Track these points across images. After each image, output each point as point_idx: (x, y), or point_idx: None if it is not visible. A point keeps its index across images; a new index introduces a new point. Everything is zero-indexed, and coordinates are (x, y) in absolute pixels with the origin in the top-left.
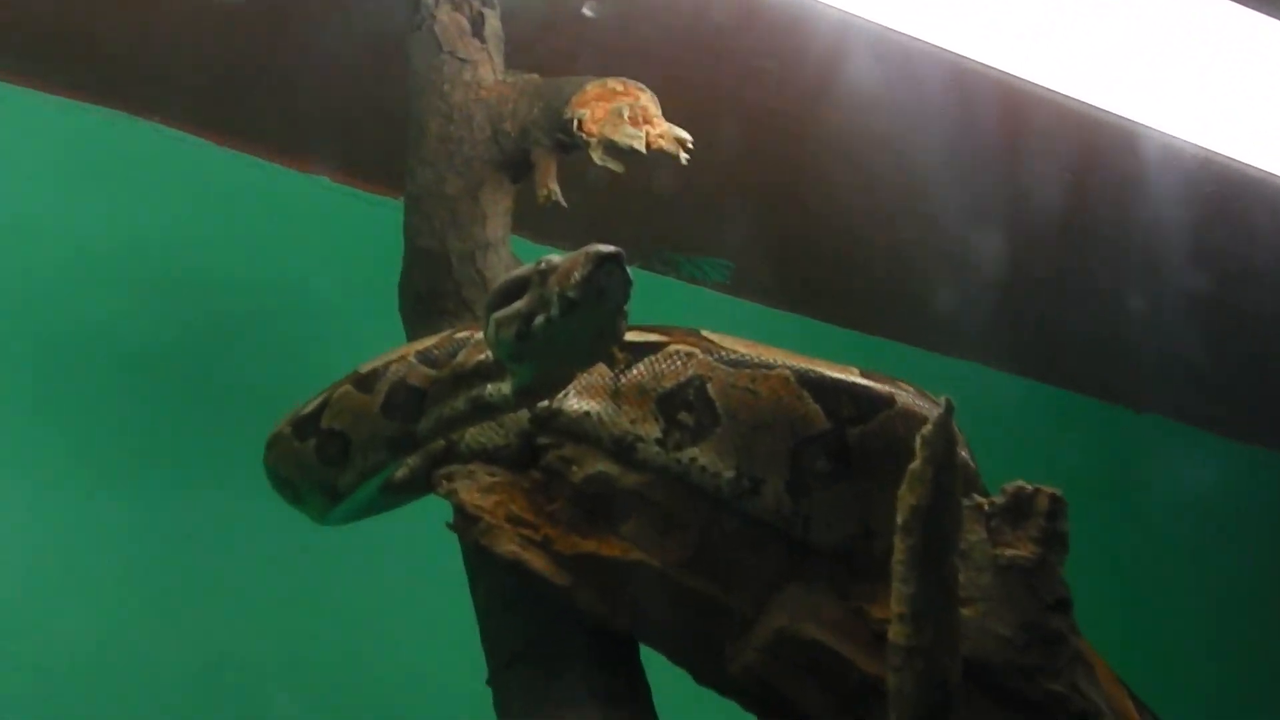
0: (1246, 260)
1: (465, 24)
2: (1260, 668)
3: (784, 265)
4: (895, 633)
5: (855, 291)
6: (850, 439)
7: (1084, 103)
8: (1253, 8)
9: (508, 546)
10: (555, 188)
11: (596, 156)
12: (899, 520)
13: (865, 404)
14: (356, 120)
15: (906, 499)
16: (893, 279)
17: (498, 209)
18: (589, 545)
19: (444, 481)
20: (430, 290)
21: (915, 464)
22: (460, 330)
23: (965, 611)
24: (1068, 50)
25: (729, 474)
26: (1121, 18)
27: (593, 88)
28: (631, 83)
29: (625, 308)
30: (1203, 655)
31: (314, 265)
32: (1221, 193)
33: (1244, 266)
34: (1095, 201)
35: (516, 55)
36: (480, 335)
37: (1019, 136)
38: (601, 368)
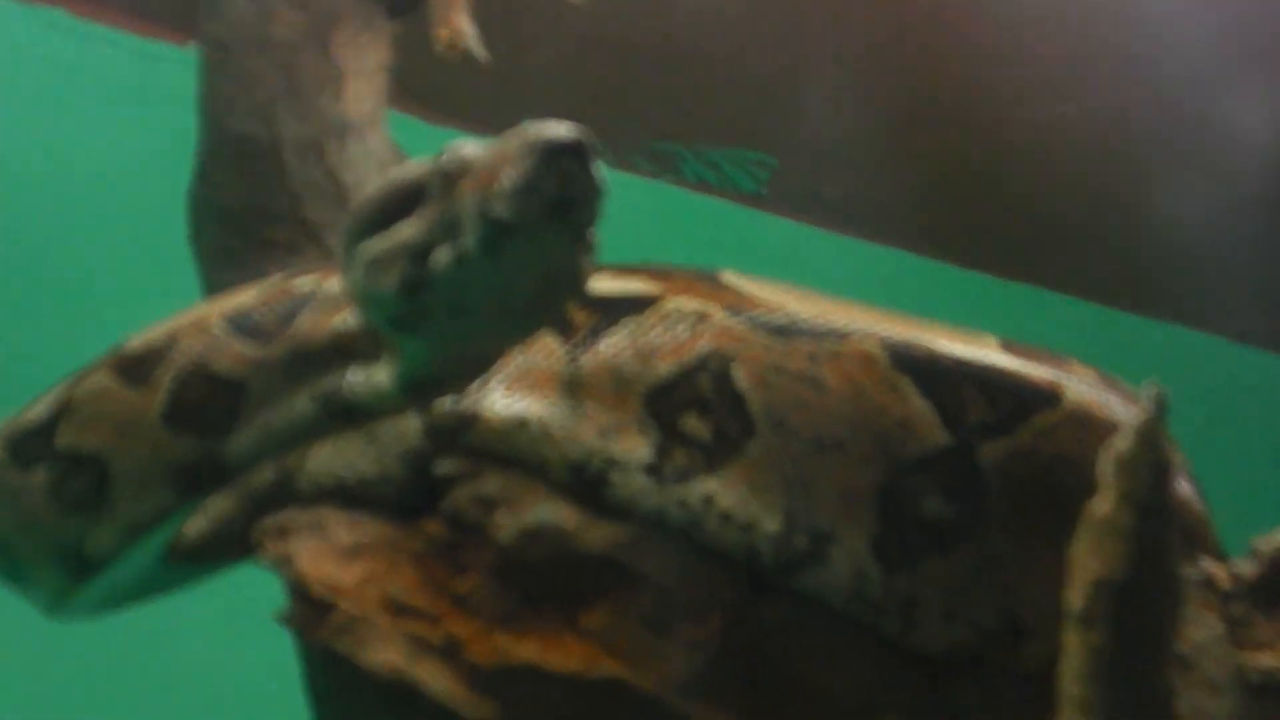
0: None
1: None
2: None
3: (879, 164)
4: None
5: (1003, 214)
6: (984, 462)
7: None
8: None
9: (384, 654)
10: (465, 26)
11: None
12: (1075, 603)
13: (1011, 400)
14: None
15: (1087, 565)
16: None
17: (364, 63)
18: (526, 651)
19: (273, 540)
20: (246, 206)
21: (1102, 505)
22: (299, 276)
23: None
24: None
25: (773, 526)
26: None
27: None
28: None
29: (593, 234)
30: None
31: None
32: None
33: None
34: None
35: None
36: (335, 284)
37: None
38: (550, 341)
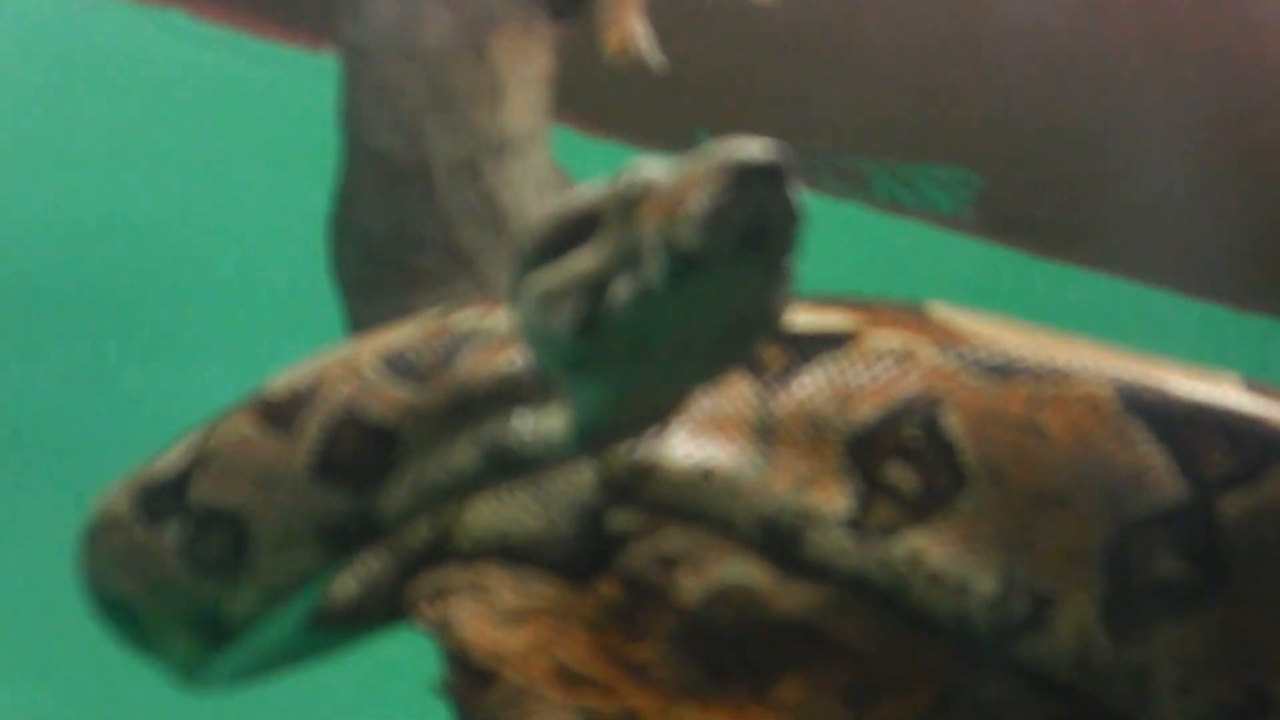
0: None
1: None
2: None
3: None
4: None
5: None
6: (1226, 517)
7: None
8: None
9: None
10: (637, 28)
11: None
12: None
13: (1256, 448)
14: None
15: None
16: None
17: (524, 72)
18: None
19: (430, 603)
20: (392, 232)
21: None
22: (458, 310)
23: None
24: None
25: (988, 588)
26: None
27: None
28: None
29: (789, 265)
30: None
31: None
32: None
33: None
34: None
35: None
36: (500, 320)
37: None
38: (739, 383)
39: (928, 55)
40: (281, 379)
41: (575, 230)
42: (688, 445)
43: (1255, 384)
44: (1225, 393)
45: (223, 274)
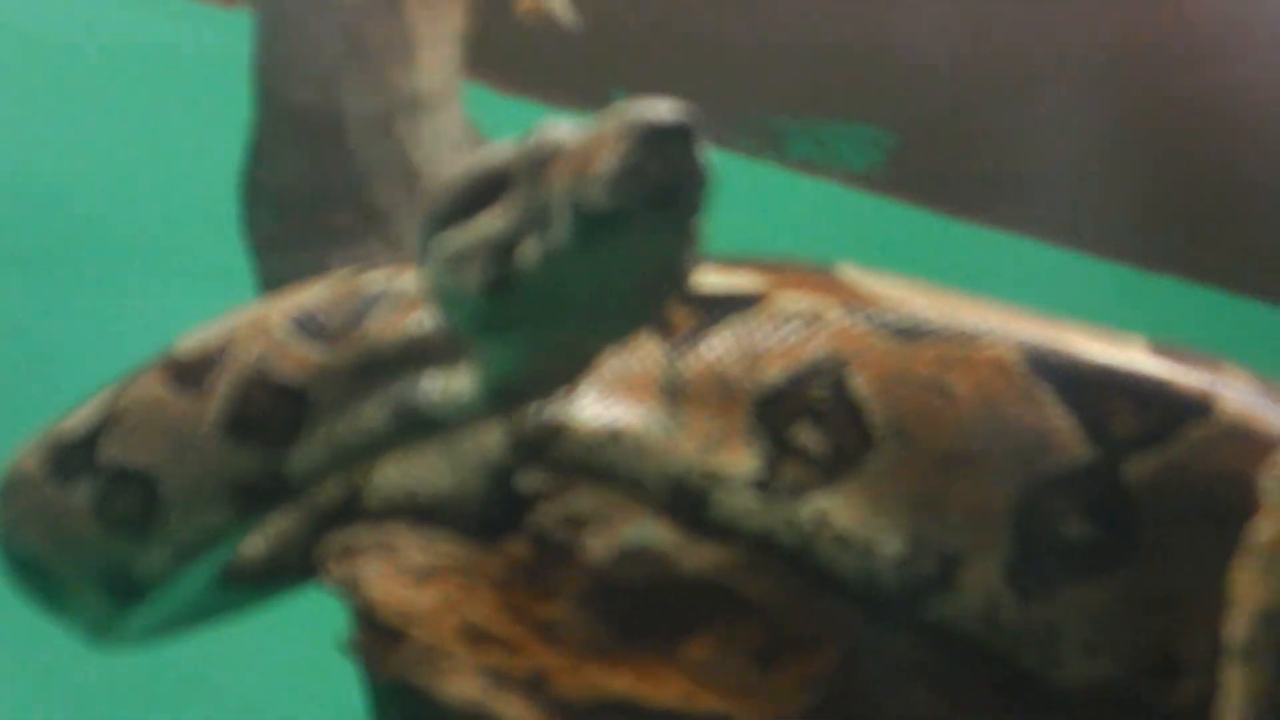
0: None
1: None
2: None
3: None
4: None
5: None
6: (1131, 479)
7: None
8: None
9: (462, 688)
10: None
11: None
12: (1236, 636)
13: (1161, 410)
14: None
15: (1250, 594)
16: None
17: (438, 29)
18: (619, 684)
19: (339, 561)
20: (305, 188)
21: (1266, 527)
22: (368, 271)
23: None
24: None
25: (895, 548)
26: None
27: None
28: None
29: (697, 225)
30: None
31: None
32: None
33: None
34: None
35: None
36: (409, 281)
37: None
38: (648, 344)
39: (841, 10)
40: (192, 338)
41: (485, 190)
42: (596, 406)
43: (1162, 347)
44: (1131, 356)
45: (135, 231)
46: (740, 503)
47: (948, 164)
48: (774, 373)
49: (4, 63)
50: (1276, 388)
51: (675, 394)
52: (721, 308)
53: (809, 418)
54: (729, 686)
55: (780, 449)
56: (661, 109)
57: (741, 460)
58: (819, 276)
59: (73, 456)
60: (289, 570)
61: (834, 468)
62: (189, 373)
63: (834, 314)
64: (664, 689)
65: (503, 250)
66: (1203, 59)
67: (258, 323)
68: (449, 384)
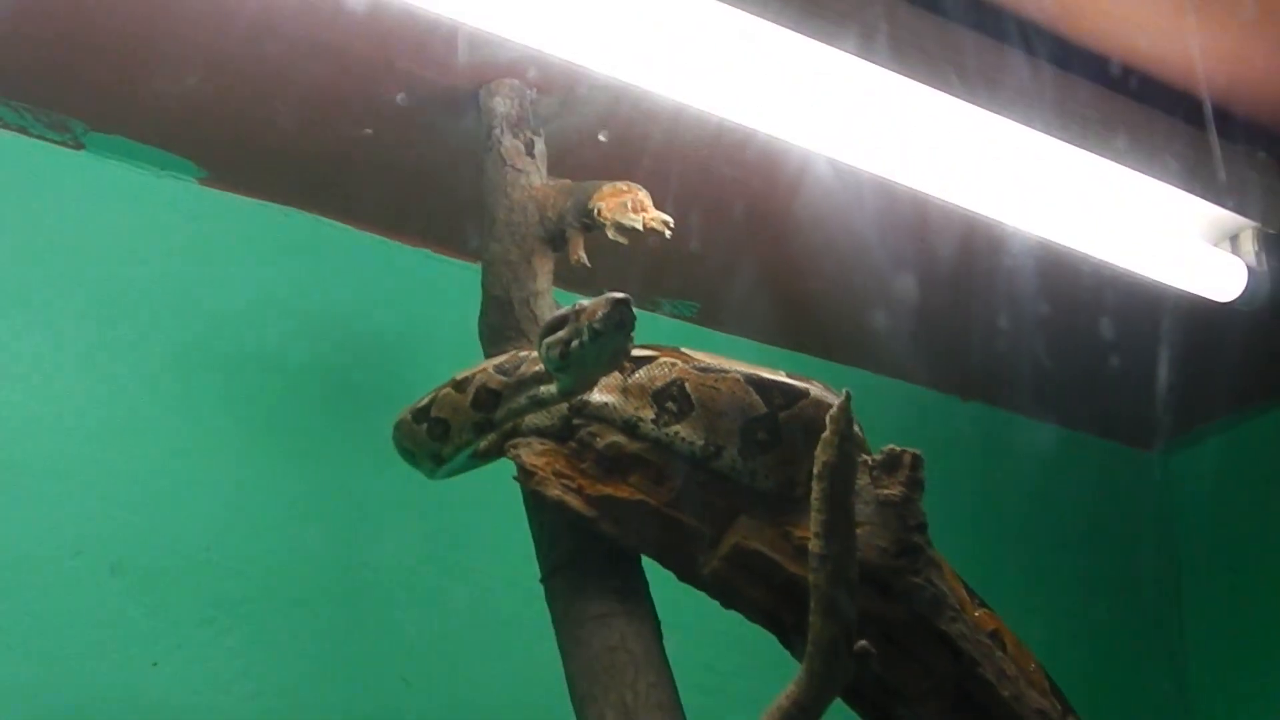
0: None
1: (521, 147)
2: (1077, 635)
3: (744, 303)
4: (813, 545)
5: (795, 321)
6: (781, 420)
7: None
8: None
9: (553, 492)
10: (583, 255)
11: (610, 234)
12: (815, 471)
13: (790, 395)
14: (447, 207)
15: (820, 458)
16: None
17: (544, 269)
18: (608, 490)
19: (512, 449)
20: (500, 324)
21: (826, 434)
22: (522, 351)
23: (858, 531)
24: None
25: (700, 443)
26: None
27: (606, 188)
28: (633, 184)
29: (632, 334)
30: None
31: (422, 311)
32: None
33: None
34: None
35: (554, 168)
36: (535, 354)
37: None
38: (615, 374)
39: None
40: (461, 372)
41: (558, 324)
42: (599, 395)
43: (793, 374)
44: (781, 376)
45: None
46: (647, 429)
47: None
48: (659, 384)
49: None
50: (831, 387)
51: (625, 391)
52: (640, 361)
53: (670, 399)
54: (645, 490)
55: (661, 409)
56: (618, 295)
57: (647, 412)
58: (675, 351)
59: (421, 413)
60: (496, 453)
61: (679, 415)
62: (459, 384)
63: (680, 363)
64: (624, 492)
65: (565, 344)
66: None
67: (485, 368)
68: (549, 390)
